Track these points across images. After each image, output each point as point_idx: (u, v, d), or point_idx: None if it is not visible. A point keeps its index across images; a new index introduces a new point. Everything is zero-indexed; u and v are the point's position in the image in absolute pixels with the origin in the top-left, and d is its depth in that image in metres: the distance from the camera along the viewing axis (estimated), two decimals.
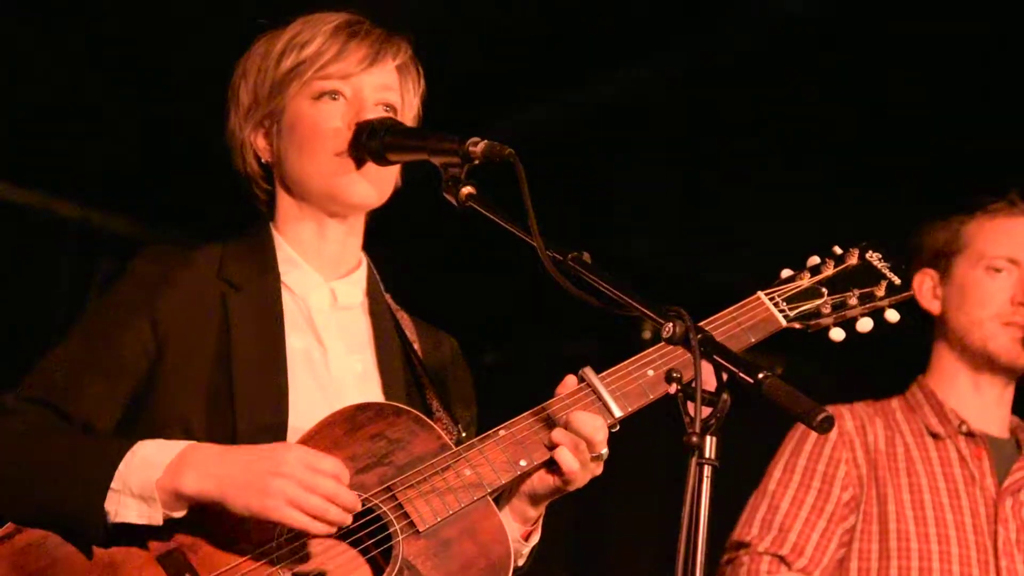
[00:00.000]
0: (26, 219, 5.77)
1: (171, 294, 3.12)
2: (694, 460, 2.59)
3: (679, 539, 2.57)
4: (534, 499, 3.14)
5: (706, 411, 2.62)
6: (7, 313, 5.39)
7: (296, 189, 3.25)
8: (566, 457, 3.07)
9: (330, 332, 3.23)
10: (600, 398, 3.12)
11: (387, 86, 3.25)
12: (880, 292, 3.34)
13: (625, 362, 3.18)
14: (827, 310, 3.29)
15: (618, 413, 3.12)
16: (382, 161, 3.17)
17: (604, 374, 3.15)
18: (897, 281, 3.37)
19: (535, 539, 3.22)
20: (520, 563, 3.19)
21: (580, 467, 3.08)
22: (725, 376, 2.66)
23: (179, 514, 2.92)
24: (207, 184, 3.36)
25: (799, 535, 4.18)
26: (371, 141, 3.15)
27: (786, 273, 3.35)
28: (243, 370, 3.08)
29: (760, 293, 3.29)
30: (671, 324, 2.71)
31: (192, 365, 3.08)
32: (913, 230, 4.41)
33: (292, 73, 3.20)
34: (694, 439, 2.60)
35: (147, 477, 2.89)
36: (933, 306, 4.33)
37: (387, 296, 3.37)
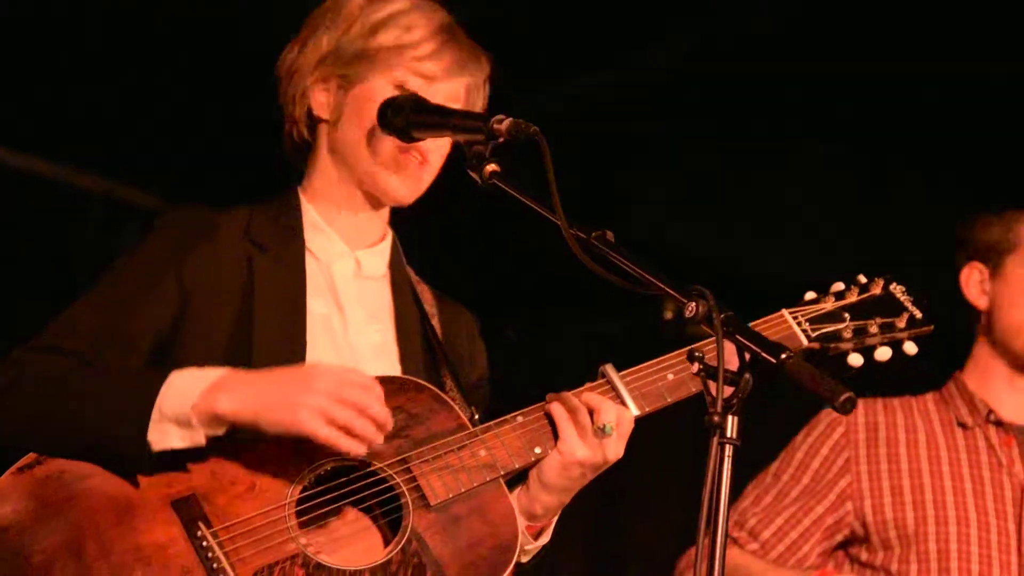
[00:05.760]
0: (51, 192, 5.78)
1: (198, 252, 3.14)
2: (715, 440, 2.59)
3: (699, 518, 2.57)
4: (545, 487, 3.12)
5: (728, 391, 2.62)
6: (31, 285, 5.41)
7: (342, 157, 3.24)
8: (559, 411, 3.08)
9: (351, 300, 3.24)
10: (619, 395, 3.14)
11: (456, 97, 3.23)
12: (901, 324, 3.39)
13: (646, 363, 3.20)
14: (848, 335, 3.35)
15: (635, 412, 3.14)
16: (407, 138, 3.16)
17: (624, 372, 3.17)
18: (919, 315, 3.43)
19: (544, 539, 3.20)
20: (524, 560, 3.16)
21: (579, 436, 3.07)
22: (748, 356, 2.66)
23: (220, 432, 2.94)
24: (232, 159, 3.35)
25: (759, 520, 4.20)
26: (396, 118, 3.15)
27: (810, 296, 3.40)
28: (264, 330, 3.10)
29: (784, 311, 3.34)
30: (694, 304, 2.71)
31: (214, 323, 3.11)
32: (964, 221, 4.37)
33: (387, 52, 3.18)
34: (715, 418, 2.59)
35: (183, 404, 2.92)
36: (980, 301, 4.29)
37: (409, 269, 3.38)
